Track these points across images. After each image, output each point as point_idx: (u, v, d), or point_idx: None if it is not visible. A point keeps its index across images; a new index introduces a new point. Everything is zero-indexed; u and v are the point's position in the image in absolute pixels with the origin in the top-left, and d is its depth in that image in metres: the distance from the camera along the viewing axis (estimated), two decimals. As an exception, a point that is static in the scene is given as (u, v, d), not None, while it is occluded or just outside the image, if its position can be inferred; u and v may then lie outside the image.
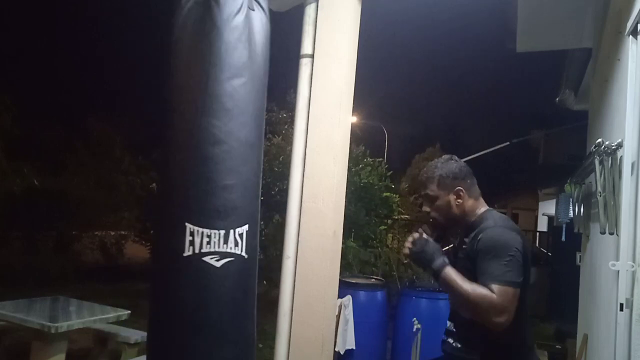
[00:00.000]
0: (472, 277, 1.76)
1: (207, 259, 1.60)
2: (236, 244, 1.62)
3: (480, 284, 1.69)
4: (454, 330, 1.94)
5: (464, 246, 1.90)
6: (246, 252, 1.64)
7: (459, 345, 1.89)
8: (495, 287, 1.65)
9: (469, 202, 1.91)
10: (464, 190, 1.90)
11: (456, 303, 1.78)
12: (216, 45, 1.66)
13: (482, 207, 1.94)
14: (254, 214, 1.72)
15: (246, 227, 1.64)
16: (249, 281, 1.71)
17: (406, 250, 1.88)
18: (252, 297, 1.74)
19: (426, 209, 1.97)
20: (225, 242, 1.61)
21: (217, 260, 1.61)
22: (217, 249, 1.61)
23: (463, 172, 1.93)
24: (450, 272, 1.76)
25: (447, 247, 2.07)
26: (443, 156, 2.01)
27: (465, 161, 2.06)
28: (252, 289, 1.74)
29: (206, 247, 1.60)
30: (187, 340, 1.63)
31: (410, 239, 1.89)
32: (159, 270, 1.71)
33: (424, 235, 1.88)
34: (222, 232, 1.61)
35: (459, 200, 1.90)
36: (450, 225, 1.97)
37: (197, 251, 1.60)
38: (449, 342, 1.95)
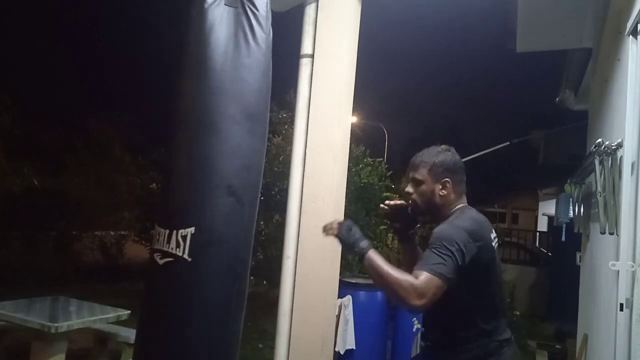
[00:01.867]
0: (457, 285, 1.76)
1: (155, 255, 1.69)
2: (178, 245, 1.64)
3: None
4: (425, 333, 2.01)
5: None
6: (189, 255, 1.63)
7: (429, 344, 1.97)
8: (422, 273, 1.66)
9: (452, 196, 1.92)
10: (450, 183, 1.91)
11: (380, 285, 1.78)
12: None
13: (461, 204, 1.95)
14: (206, 218, 1.70)
15: (191, 229, 1.65)
16: (191, 286, 1.68)
17: (334, 232, 1.86)
18: (193, 303, 1.69)
19: (409, 189, 1.97)
20: (168, 242, 1.65)
21: (160, 258, 1.67)
22: (161, 247, 1.66)
23: (456, 167, 1.95)
24: (374, 255, 1.76)
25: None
26: (442, 145, 2.01)
27: (465, 161, 2.08)
28: (194, 294, 1.68)
29: (156, 245, 1.68)
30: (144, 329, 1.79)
31: (336, 223, 1.88)
32: None
33: (349, 221, 1.90)
34: (167, 231, 1.66)
35: (443, 191, 1.91)
36: (428, 211, 1.97)
37: (151, 246, 1.72)
38: (422, 344, 2.03)
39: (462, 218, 1.86)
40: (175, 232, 1.65)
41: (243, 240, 1.75)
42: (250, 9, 1.80)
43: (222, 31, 1.76)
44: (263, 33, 1.81)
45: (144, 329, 1.78)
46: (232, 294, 1.72)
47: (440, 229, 1.79)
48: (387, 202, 2.08)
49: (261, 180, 1.87)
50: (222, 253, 1.69)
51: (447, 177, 1.91)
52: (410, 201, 1.97)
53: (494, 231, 1.93)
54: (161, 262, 1.66)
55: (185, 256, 1.63)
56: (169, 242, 1.65)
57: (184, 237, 1.63)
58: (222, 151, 1.72)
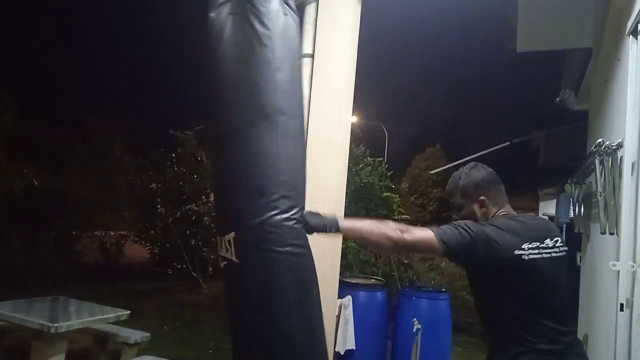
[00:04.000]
0: (480, 285, 1.83)
1: (220, 259, 1.88)
2: (227, 250, 1.81)
3: None
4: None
5: None
6: (237, 257, 1.78)
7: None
8: (431, 228, 1.71)
9: (494, 210, 1.89)
10: (487, 200, 1.89)
11: (368, 239, 1.84)
12: (259, 59, 1.81)
13: (502, 212, 1.89)
14: (242, 221, 1.80)
15: (232, 234, 1.80)
16: (240, 284, 1.84)
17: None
18: (243, 299, 1.83)
19: (455, 216, 1.96)
20: (221, 247, 1.84)
21: (221, 262, 1.85)
22: (219, 253, 1.87)
23: (486, 181, 1.91)
24: (346, 221, 1.84)
25: None
26: (469, 164, 2.01)
27: (465, 161, 2.07)
28: (242, 291, 1.83)
29: (218, 250, 1.88)
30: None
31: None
32: None
33: (307, 210, 1.93)
34: (219, 238, 1.85)
35: (483, 209, 1.89)
36: None
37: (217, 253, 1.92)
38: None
39: (491, 221, 1.82)
40: (223, 237, 1.82)
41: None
42: (252, 10, 1.83)
43: (227, 40, 1.83)
44: (268, 30, 1.82)
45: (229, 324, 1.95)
46: (282, 290, 1.79)
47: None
48: None
49: (299, 174, 1.92)
50: (262, 252, 1.78)
51: (481, 195, 1.89)
52: None
53: (548, 241, 1.77)
54: (222, 264, 1.86)
55: (234, 258, 1.79)
56: (221, 246, 1.83)
57: (229, 242, 1.79)
58: (245, 154, 1.80)
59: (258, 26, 1.81)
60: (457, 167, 2.07)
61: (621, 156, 2.01)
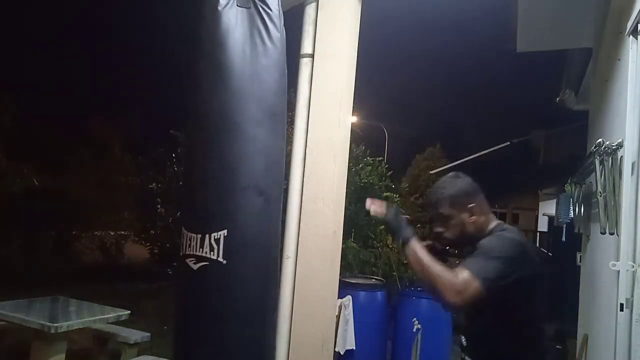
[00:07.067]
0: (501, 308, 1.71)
1: (187, 260, 1.71)
2: (212, 249, 1.67)
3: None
4: (466, 344, 1.91)
5: None
6: (224, 258, 1.67)
7: None
8: (463, 271, 1.62)
9: (482, 219, 1.89)
10: (476, 207, 1.88)
11: (420, 276, 1.77)
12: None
13: (494, 222, 1.91)
14: (238, 220, 1.72)
15: (224, 232, 1.68)
16: (228, 288, 1.72)
17: (379, 212, 1.91)
18: (231, 305, 1.73)
19: (439, 229, 1.93)
20: (202, 246, 1.68)
21: (195, 263, 1.70)
22: (194, 252, 1.70)
23: (473, 188, 1.92)
24: (418, 245, 1.77)
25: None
26: (449, 174, 2.00)
27: (465, 161, 2.07)
28: (232, 296, 1.73)
29: (187, 250, 1.72)
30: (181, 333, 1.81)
31: (385, 204, 1.92)
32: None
33: (396, 207, 1.95)
34: (199, 236, 1.69)
35: (472, 218, 1.88)
36: (465, 244, 1.94)
37: (181, 253, 1.74)
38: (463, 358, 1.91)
39: (509, 231, 1.81)
40: (207, 236, 1.68)
41: (274, 239, 1.81)
42: (263, 9, 1.81)
43: (237, 33, 1.78)
44: (277, 32, 1.82)
45: (182, 333, 1.81)
46: (268, 293, 1.77)
47: (487, 240, 1.75)
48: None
49: (284, 177, 1.95)
50: (255, 253, 1.73)
51: (470, 203, 1.87)
52: (443, 240, 1.94)
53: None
54: (195, 266, 1.69)
55: (220, 259, 1.66)
56: (202, 246, 1.68)
57: (217, 240, 1.66)
58: (247, 152, 1.75)
59: (270, 26, 1.80)
60: (457, 167, 2.07)
61: (621, 156, 2.01)
